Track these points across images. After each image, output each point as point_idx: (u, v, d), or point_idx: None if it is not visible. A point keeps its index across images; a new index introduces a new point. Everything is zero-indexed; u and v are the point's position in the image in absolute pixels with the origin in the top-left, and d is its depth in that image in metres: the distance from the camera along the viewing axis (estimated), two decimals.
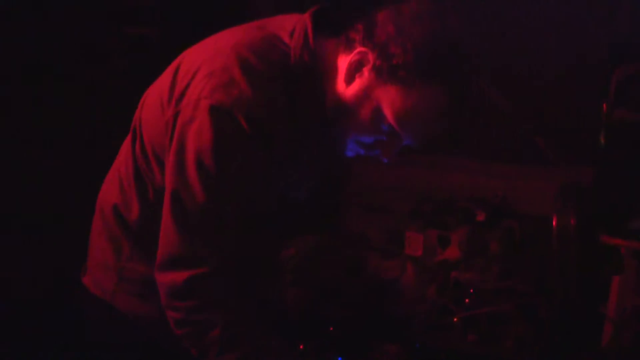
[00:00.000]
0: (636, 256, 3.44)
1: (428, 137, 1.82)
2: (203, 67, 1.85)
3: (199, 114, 1.78)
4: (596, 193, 3.46)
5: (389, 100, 1.77)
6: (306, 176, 2.00)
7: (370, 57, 1.78)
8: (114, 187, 2.03)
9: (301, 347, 2.05)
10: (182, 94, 1.84)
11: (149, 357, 1.99)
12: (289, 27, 1.90)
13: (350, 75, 1.82)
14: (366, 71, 1.79)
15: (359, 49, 1.80)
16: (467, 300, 2.15)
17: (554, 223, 1.83)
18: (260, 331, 1.82)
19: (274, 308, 2.06)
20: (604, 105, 3.60)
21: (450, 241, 3.10)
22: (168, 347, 1.90)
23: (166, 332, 1.86)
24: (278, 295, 2.19)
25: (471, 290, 2.15)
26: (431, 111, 1.77)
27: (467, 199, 3.33)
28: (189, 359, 1.82)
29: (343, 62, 1.85)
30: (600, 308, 2.54)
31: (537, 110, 3.76)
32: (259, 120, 1.77)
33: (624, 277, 3.38)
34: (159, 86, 1.98)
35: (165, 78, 1.96)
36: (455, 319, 2.05)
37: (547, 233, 2.35)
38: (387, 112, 1.78)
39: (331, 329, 2.15)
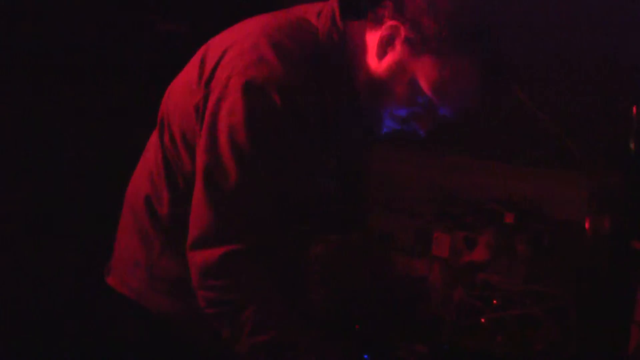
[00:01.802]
0: None
1: (464, 106, 1.84)
2: (232, 48, 1.86)
3: (230, 91, 1.79)
4: (627, 198, 3.43)
5: (424, 71, 1.79)
6: (337, 163, 1.99)
7: (402, 30, 1.80)
8: (144, 181, 2.04)
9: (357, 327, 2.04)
10: (212, 75, 1.86)
11: (179, 356, 1.99)
12: (316, 10, 1.92)
13: (382, 49, 1.84)
14: (398, 44, 1.82)
15: (390, 22, 1.81)
16: (495, 302, 2.14)
17: (586, 226, 1.81)
18: (292, 316, 1.81)
19: (300, 307, 2.05)
20: (634, 109, 3.57)
21: (478, 243, 3.08)
22: (197, 346, 1.90)
23: (195, 331, 1.86)
24: (304, 295, 2.19)
25: (499, 292, 2.14)
26: (466, 79, 1.81)
27: (495, 201, 3.31)
28: (219, 357, 1.82)
29: (372, 38, 1.87)
30: (629, 313, 2.52)
31: (567, 113, 3.73)
32: (291, 97, 1.78)
33: None
34: (185, 74, 1.99)
35: (192, 65, 1.98)
36: (483, 320, 2.04)
37: (576, 238, 2.33)
38: (423, 83, 1.80)
39: (357, 327, 2.15)
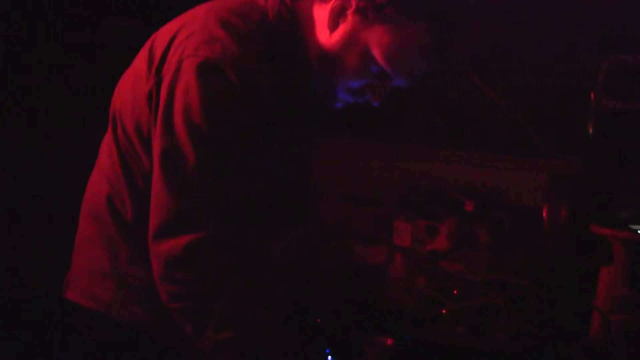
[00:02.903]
0: (625, 246, 3.44)
1: (418, 74, 1.84)
2: (181, 31, 1.84)
3: (183, 73, 1.76)
4: (585, 183, 3.45)
5: (376, 40, 1.79)
6: (289, 144, 1.97)
7: (353, 0, 1.79)
8: (103, 185, 1.99)
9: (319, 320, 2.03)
10: (162, 61, 1.83)
11: None
12: None
13: (333, 21, 1.83)
14: (349, 15, 1.81)
15: None
16: (455, 292, 2.14)
17: (544, 214, 1.81)
18: (257, 312, 1.79)
19: (263, 301, 2.03)
20: (592, 95, 3.59)
21: (439, 231, 3.09)
22: (172, 352, 1.86)
23: (170, 337, 1.82)
24: (266, 291, 2.17)
25: (460, 282, 2.14)
26: (419, 46, 1.80)
27: (456, 188, 3.31)
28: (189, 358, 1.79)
29: (321, 12, 1.86)
30: (589, 298, 2.53)
31: (526, 100, 3.74)
32: (247, 73, 1.76)
33: (612, 268, 3.38)
34: (133, 68, 1.96)
35: (139, 58, 1.95)
36: (444, 311, 2.04)
37: (537, 224, 2.33)
38: (376, 52, 1.80)
39: (319, 320, 2.13)
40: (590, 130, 3.64)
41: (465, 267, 2.66)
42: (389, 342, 2.03)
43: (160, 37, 1.91)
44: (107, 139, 2.02)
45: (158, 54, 1.86)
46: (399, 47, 1.79)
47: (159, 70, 1.84)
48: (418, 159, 3.77)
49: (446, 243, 3.04)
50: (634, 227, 3.41)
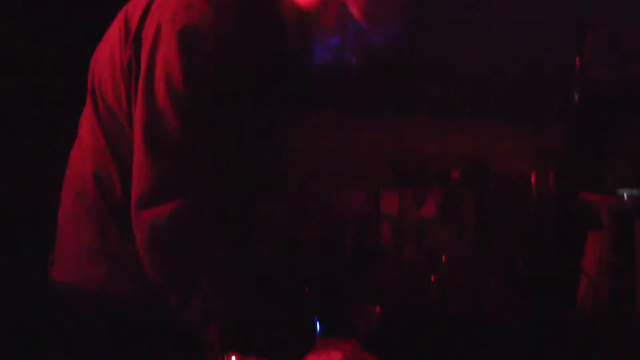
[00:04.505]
0: (612, 212, 3.45)
1: (395, 30, 1.83)
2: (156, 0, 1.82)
3: (163, 40, 1.74)
4: (572, 151, 3.46)
5: None
6: (270, 115, 1.96)
7: None
8: (87, 162, 1.95)
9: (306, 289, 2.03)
10: (139, 29, 1.81)
11: (148, 339, 1.93)
12: None
13: None
14: None
15: None
16: (443, 260, 2.13)
17: (532, 180, 1.80)
18: (244, 281, 1.78)
19: (250, 270, 2.02)
20: (577, 62, 3.59)
21: (426, 200, 3.08)
22: (165, 327, 1.85)
23: (158, 309, 1.81)
24: (252, 256, 2.15)
25: (446, 250, 2.14)
26: (397, 2, 1.79)
27: (442, 157, 3.31)
28: (183, 333, 1.78)
29: None
30: (577, 264, 2.54)
31: (512, 68, 3.73)
32: (226, 39, 1.74)
33: (600, 233, 3.39)
34: (108, 39, 1.93)
35: (113, 28, 1.92)
36: (432, 279, 2.03)
37: (523, 191, 2.33)
38: (353, 8, 1.78)
39: (307, 289, 2.13)
40: (576, 98, 3.65)
41: (452, 235, 2.66)
42: (377, 309, 2.03)
43: (133, 4, 1.89)
44: (87, 114, 1.98)
45: (134, 23, 1.83)
46: (375, 2, 1.79)
47: (136, 38, 1.81)
48: (405, 127, 3.76)
49: (433, 211, 3.04)
50: (621, 192, 3.43)
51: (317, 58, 1.89)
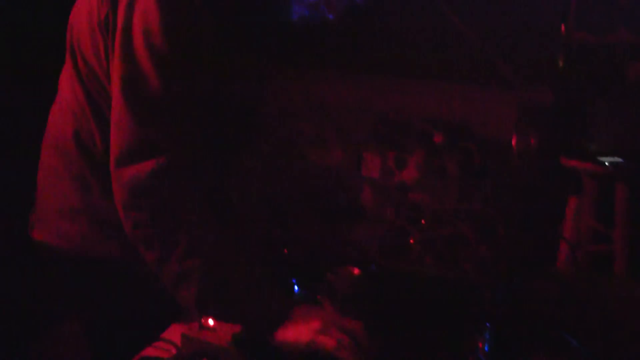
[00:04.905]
0: (593, 178, 3.46)
1: None
2: None
3: None
4: (555, 115, 3.45)
5: None
6: (249, 69, 1.94)
7: None
8: (68, 120, 1.92)
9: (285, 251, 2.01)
10: None
11: (129, 299, 1.92)
12: None
13: None
14: None
15: None
16: (423, 222, 2.12)
17: (513, 143, 1.79)
18: (223, 240, 1.76)
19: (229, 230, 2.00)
20: (562, 27, 3.57)
21: (408, 163, 3.07)
22: (147, 286, 1.83)
23: (140, 269, 1.78)
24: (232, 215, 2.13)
25: (427, 212, 2.13)
26: None
27: (425, 120, 3.29)
28: (162, 294, 1.76)
29: None
30: (557, 229, 2.54)
31: (496, 31, 3.71)
32: None
33: (580, 198, 3.41)
34: None
35: None
36: (411, 241, 2.02)
37: (506, 155, 2.32)
38: None
39: (285, 251, 2.12)
40: (561, 63, 3.64)
41: (433, 198, 2.65)
42: (355, 271, 2.02)
43: None
44: (67, 72, 1.96)
45: None
46: None
47: None
48: (386, 90, 3.74)
49: (415, 174, 3.03)
50: (602, 159, 3.44)
51: (294, 13, 1.86)
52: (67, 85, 1.95)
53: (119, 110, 1.72)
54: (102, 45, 1.81)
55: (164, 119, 1.71)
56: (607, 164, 3.33)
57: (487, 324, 1.73)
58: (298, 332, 1.69)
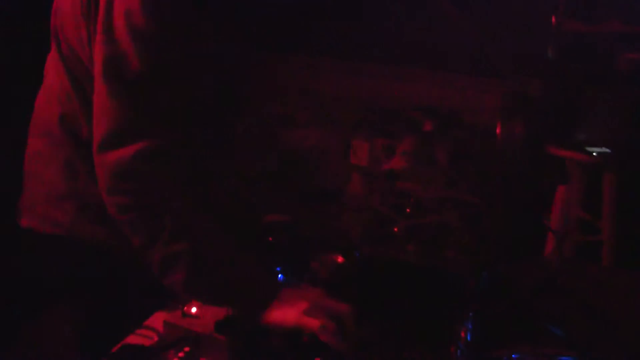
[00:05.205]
0: (581, 167, 3.46)
1: None
2: None
3: None
4: (544, 104, 3.44)
5: None
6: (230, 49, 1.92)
7: None
8: (54, 105, 1.91)
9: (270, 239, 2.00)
10: None
11: (119, 283, 1.91)
12: None
13: None
14: None
15: None
16: (407, 210, 2.12)
17: (498, 132, 1.78)
18: (209, 224, 1.76)
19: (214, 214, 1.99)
20: (553, 17, 3.56)
21: (396, 150, 3.07)
22: (135, 271, 1.82)
23: (129, 253, 1.78)
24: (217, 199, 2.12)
25: (412, 200, 2.12)
26: None
27: (414, 108, 3.29)
28: (150, 278, 1.75)
29: None
30: (544, 218, 2.54)
31: (486, 20, 3.71)
32: None
33: (568, 188, 3.41)
34: None
35: None
36: (395, 229, 2.02)
37: (493, 143, 2.31)
38: None
39: (270, 239, 2.11)
40: (551, 52, 3.63)
41: (421, 185, 2.65)
42: (339, 259, 2.01)
43: None
44: (53, 58, 1.95)
45: None
46: None
47: None
48: (375, 76, 3.73)
49: (403, 162, 3.03)
50: (590, 149, 3.43)
51: None
52: (52, 71, 1.94)
53: (101, 92, 1.71)
54: (85, 29, 1.79)
55: (147, 102, 1.70)
56: (595, 154, 3.33)
57: (470, 313, 1.73)
58: (284, 313, 1.69)
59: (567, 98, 3.37)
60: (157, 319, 1.80)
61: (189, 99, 1.76)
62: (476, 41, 3.61)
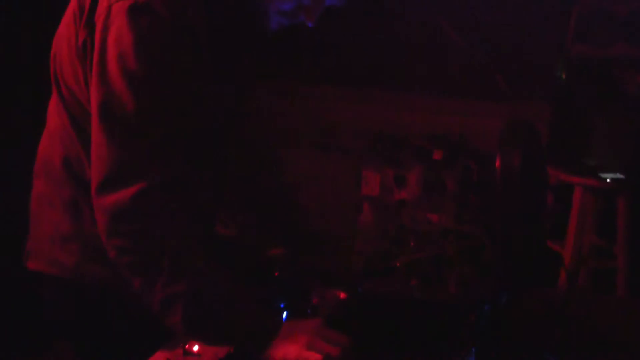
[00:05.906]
0: (594, 194, 3.43)
1: None
2: None
3: (114, 19, 1.71)
4: (553, 129, 3.43)
5: None
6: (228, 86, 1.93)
7: None
8: (56, 149, 1.93)
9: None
10: (92, 10, 1.77)
11: (124, 324, 1.91)
12: None
13: None
14: None
15: None
16: (412, 244, 2.11)
17: (497, 163, 1.77)
18: (208, 264, 1.75)
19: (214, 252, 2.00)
20: (566, 41, 3.56)
21: (407, 180, 3.06)
22: (138, 310, 1.82)
23: (133, 293, 1.78)
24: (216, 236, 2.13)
25: (415, 233, 2.11)
26: None
27: (423, 136, 3.28)
28: (152, 319, 1.75)
29: None
30: (547, 249, 2.51)
31: (494, 45, 3.70)
32: (179, 9, 1.71)
33: (581, 215, 3.38)
34: (65, 23, 1.90)
35: (69, 12, 1.89)
36: (397, 264, 2.01)
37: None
38: None
39: (276, 274, 2.11)
40: (562, 76, 3.62)
41: (431, 216, 2.64)
42: (341, 295, 2.00)
43: None
44: (54, 102, 1.97)
45: (87, 5, 1.80)
46: None
47: (89, 19, 1.78)
48: (384, 105, 3.73)
49: (414, 192, 3.02)
50: (603, 175, 3.41)
51: (273, 23, 1.86)
52: (54, 114, 1.95)
53: (98, 136, 1.72)
54: (82, 72, 1.81)
55: (142, 143, 1.70)
56: (608, 180, 3.31)
57: (473, 349, 1.71)
58: (286, 349, 1.69)
59: (577, 122, 3.36)
60: (159, 358, 1.80)
61: (185, 138, 1.77)
62: (484, 66, 3.61)
